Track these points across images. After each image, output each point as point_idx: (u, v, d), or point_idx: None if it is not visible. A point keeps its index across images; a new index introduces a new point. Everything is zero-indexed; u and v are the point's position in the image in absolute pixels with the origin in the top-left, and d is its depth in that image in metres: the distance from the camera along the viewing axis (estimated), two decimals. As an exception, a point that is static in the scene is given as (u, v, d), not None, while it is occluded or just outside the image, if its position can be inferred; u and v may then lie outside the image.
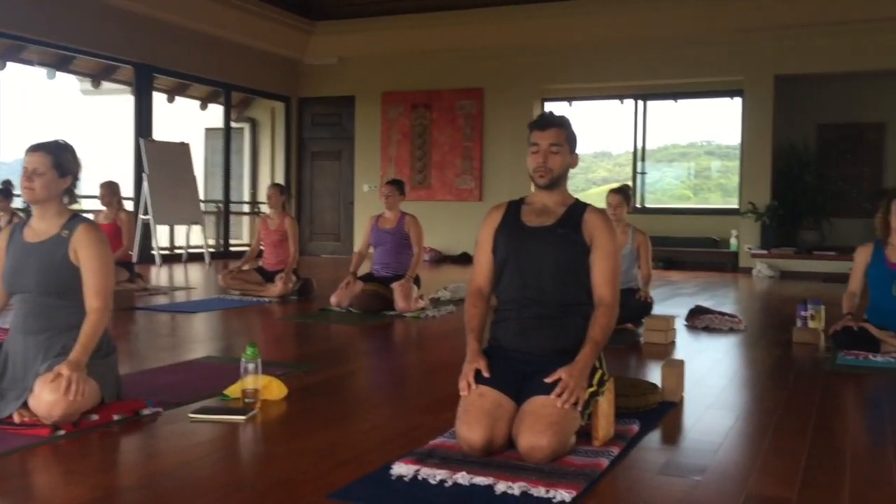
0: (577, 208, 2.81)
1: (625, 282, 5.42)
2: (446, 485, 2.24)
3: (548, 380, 2.51)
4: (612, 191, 5.67)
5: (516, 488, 2.19)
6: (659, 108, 12.54)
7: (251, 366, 3.05)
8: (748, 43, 10.99)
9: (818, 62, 10.83)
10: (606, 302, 2.69)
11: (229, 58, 12.23)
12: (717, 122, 12.40)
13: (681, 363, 3.42)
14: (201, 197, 12.23)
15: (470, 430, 2.46)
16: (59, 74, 12.37)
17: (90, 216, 7.43)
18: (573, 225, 2.75)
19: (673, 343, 4.89)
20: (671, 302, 7.05)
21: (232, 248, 12.80)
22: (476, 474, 2.28)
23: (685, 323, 5.62)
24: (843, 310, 4.68)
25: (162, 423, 2.90)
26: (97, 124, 14.67)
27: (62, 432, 2.67)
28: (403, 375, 4.21)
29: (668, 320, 4.98)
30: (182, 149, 11.51)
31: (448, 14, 12.08)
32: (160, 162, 10.90)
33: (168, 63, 11.31)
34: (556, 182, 2.79)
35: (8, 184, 8.34)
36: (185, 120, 14.01)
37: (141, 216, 10.69)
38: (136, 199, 10.87)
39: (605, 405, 2.65)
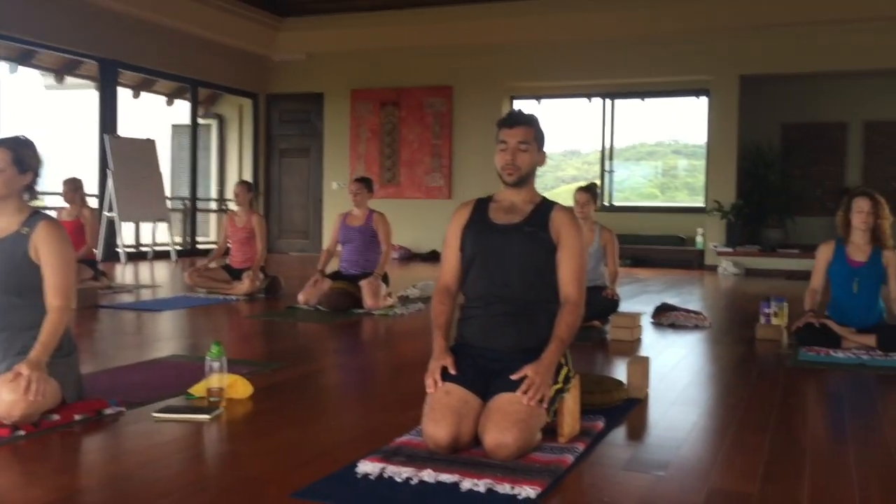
0: (545, 206, 2.82)
1: (592, 279, 5.45)
2: (412, 483, 2.24)
3: (514, 377, 2.52)
4: (580, 189, 5.70)
5: (482, 485, 2.19)
6: (626, 107, 12.63)
7: (216, 364, 3.03)
8: (714, 43, 11.11)
9: (782, 62, 10.98)
10: (572, 300, 2.71)
11: (196, 53, 12.10)
12: (684, 121, 12.52)
13: (646, 360, 3.45)
14: (168, 194, 12.10)
15: (436, 427, 2.46)
16: (22, 69, 12.17)
17: (53, 213, 7.32)
18: (540, 223, 2.76)
19: (639, 340, 4.93)
20: (638, 299, 7.11)
21: (199, 246, 12.68)
22: (442, 472, 2.28)
23: (651, 320, 5.67)
24: (806, 306, 4.75)
25: (125, 422, 2.87)
26: (61, 120, 14.45)
27: (22, 433, 2.62)
28: (371, 373, 4.20)
29: (634, 317, 5.02)
30: (148, 145, 11.37)
31: (417, 11, 12.06)
32: (125, 158, 10.76)
33: (133, 58, 11.16)
34: (524, 180, 2.80)
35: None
36: (151, 116, 13.84)
37: (106, 213, 10.55)
38: (101, 195, 10.73)
39: (571, 402, 2.66)
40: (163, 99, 13.85)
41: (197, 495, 2.17)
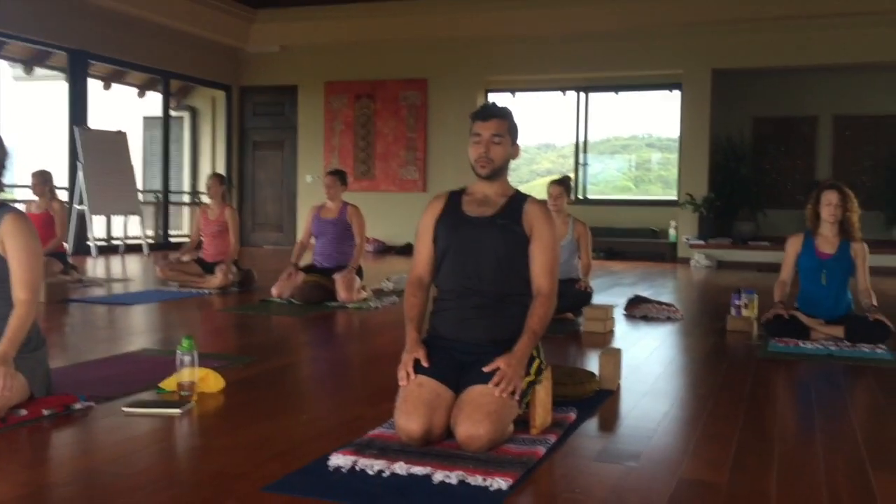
0: (518, 199, 2.83)
1: (565, 272, 5.47)
2: (384, 475, 2.23)
3: (486, 369, 2.53)
4: (553, 182, 5.72)
5: (454, 477, 2.20)
6: (600, 101, 12.69)
7: (187, 358, 3.01)
8: (687, 37, 11.19)
9: (754, 57, 11.09)
10: (545, 292, 2.72)
11: (168, 44, 11.97)
12: (658, 114, 12.60)
13: (618, 352, 3.48)
14: (139, 187, 11.97)
15: (408, 419, 2.46)
16: (-11, 60, 11.98)
17: (21, 206, 7.23)
18: (513, 216, 2.77)
19: (612, 332, 4.97)
20: (611, 292, 7.15)
21: (171, 239, 12.57)
22: (414, 464, 2.28)
23: (624, 312, 5.71)
24: (775, 298, 4.81)
25: (94, 417, 2.84)
26: (30, 111, 14.24)
27: (-11, 428, 2.59)
28: (344, 366, 4.19)
29: (607, 310, 5.05)
30: (119, 137, 11.24)
31: (392, 4, 12.01)
32: (96, 150, 10.63)
33: (104, 49, 11.02)
34: (498, 173, 2.80)
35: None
36: (123, 108, 13.69)
37: (76, 206, 10.42)
38: (71, 188, 10.60)
39: (543, 394, 2.68)
40: (134, 91, 13.70)
41: (167, 490, 2.16)
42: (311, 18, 12.53)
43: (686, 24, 11.09)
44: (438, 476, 2.21)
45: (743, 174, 11.62)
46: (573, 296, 5.29)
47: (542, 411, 2.67)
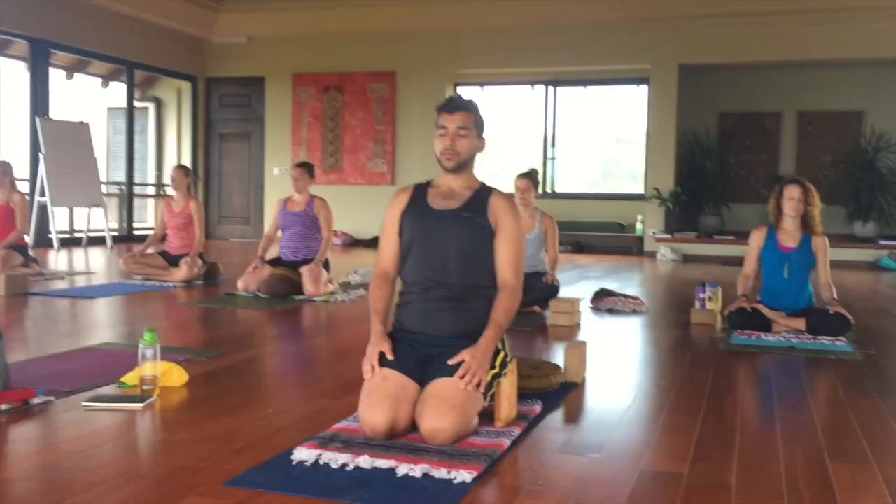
0: (483, 192, 2.83)
1: (532, 265, 5.50)
2: (348, 469, 2.23)
3: (451, 362, 2.53)
4: (520, 175, 5.73)
5: (418, 470, 2.19)
6: (569, 95, 12.74)
7: (149, 352, 2.97)
8: (654, 32, 11.27)
9: (720, 52, 11.20)
10: (510, 285, 2.72)
11: (132, 34, 11.79)
12: (625, 109, 12.67)
13: (583, 344, 3.50)
14: (103, 178, 11.80)
15: (373, 413, 2.46)
16: (-53, 48, 11.70)
17: (-19, 198, 7.09)
18: (479, 209, 2.77)
19: (578, 325, 5.00)
20: (578, 285, 7.19)
21: (136, 232, 12.40)
22: (378, 457, 2.28)
23: (590, 305, 5.75)
24: (738, 291, 4.87)
25: (53, 412, 2.80)
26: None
27: (-56, 424, 2.54)
28: (310, 360, 4.17)
29: (574, 303, 5.08)
30: (81, 128, 11.06)
31: (360, -5, 11.95)
32: (58, 141, 10.45)
33: (66, 38, 10.83)
34: (463, 165, 2.80)
35: None
36: (86, 98, 13.46)
37: (37, 198, 10.24)
38: (33, 180, 10.41)
39: (508, 386, 2.68)
40: (98, 81, 13.48)
41: (127, 485, 2.13)
42: (278, 9, 12.42)
43: (653, 20, 11.17)
44: (402, 469, 2.21)
45: (708, 169, 11.76)
46: (540, 289, 5.31)
47: (507, 404, 2.68)
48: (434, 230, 2.75)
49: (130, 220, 12.43)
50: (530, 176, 5.73)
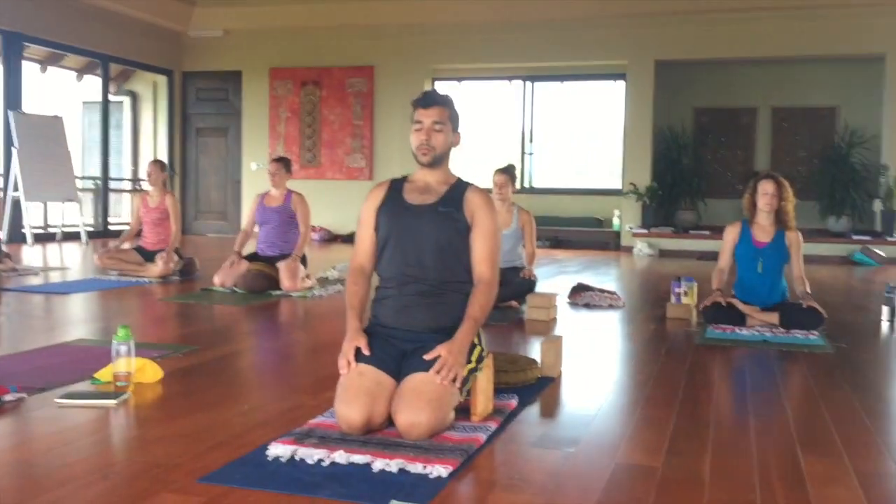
0: (459, 187, 2.83)
1: (510, 260, 5.52)
2: (324, 464, 2.22)
3: (427, 357, 2.53)
4: (498, 170, 5.74)
5: (394, 465, 2.20)
6: (546, 90, 12.77)
7: (123, 348, 2.95)
8: (631, 28, 11.32)
9: (696, 49, 11.27)
10: (485, 280, 2.73)
11: (107, 27, 11.67)
12: (602, 104, 12.72)
13: (559, 339, 3.51)
14: (77, 173, 11.68)
15: (349, 408, 2.45)
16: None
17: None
18: (455, 203, 2.77)
19: (554, 320, 5.01)
20: (556, 280, 7.22)
21: (112, 227, 12.29)
22: (354, 453, 2.27)
23: (567, 300, 5.77)
24: (713, 286, 4.91)
25: (26, 409, 2.77)
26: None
27: (-87, 422, 2.51)
28: (287, 355, 4.16)
29: (550, 297, 5.10)
30: (55, 122, 10.93)
31: (337, -11, 11.90)
32: (31, 136, 10.33)
33: (40, 31, 10.70)
34: (439, 160, 2.80)
35: None
36: (60, 92, 13.32)
37: (11, 193, 10.12)
38: (6, 174, 10.30)
39: (484, 381, 2.69)
40: (72, 74, 13.34)
41: (100, 482, 2.12)
42: (255, 3, 12.35)
43: (630, 16, 11.22)
44: (378, 464, 2.21)
45: (684, 164, 11.84)
46: (517, 284, 5.33)
47: (483, 399, 2.68)
48: (410, 225, 2.75)
49: (105, 215, 12.32)
50: (508, 171, 5.74)
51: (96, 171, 12.57)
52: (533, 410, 2.92)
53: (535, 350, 3.89)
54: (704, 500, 2.07)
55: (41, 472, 2.20)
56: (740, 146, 12.21)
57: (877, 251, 10.17)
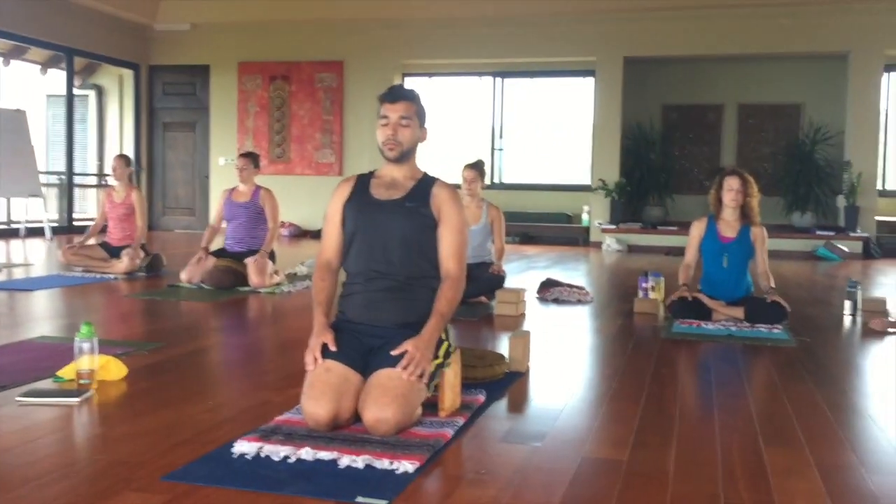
0: (426, 182, 2.83)
1: (479, 256, 5.52)
2: (290, 461, 2.21)
3: (394, 352, 2.52)
4: (467, 166, 5.74)
5: (360, 461, 2.19)
6: (516, 86, 12.80)
7: (86, 345, 2.91)
8: (600, 25, 11.39)
9: (664, 46, 11.37)
10: (453, 275, 2.73)
11: (72, 20, 11.49)
12: (572, 100, 12.78)
13: (527, 334, 3.53)
14: (41, 168, 11.49)
15: (315, 404, 2.44)
16: None
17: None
18: (422, 199, 2.77)
19: (523, 315, 5.03)
20: (525, 275, 7.25)
21: (76, 223, 12.11)
22: (320, 449, 2.27)
23: (536, 295, 5.79)
24: (680, 281, 4.95)
25: (-14, 407, 2.72)
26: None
27: None
28: (254, 352, 4.13)
29: (519, 293, 5.11)
30: (18, 116, 10.76)
31: (306, -17, 11.82)
32: (-7, 130, 10.16)
33: (3, 24, 10.50)
34: (406, 155, 2.80)
35: None
36: (24, 85, 13.09)
37: (-28, 188, 9.95)
38: (-33, 169, 10.11)
39: (452, 376, 2.69)
40: (36, 67, 13.11)
41: (62, 480, 2.09)
42: (224, -4, 12.21)
43: (600, 13, 11.29)
44: (345, 461, 2.20)
45: (652, 160, 11.94)
46: (486, 279, 5.34)
47: (450, 394, 2.69)
48: (377, 221, 2.75)
49: (70, 210, 12.14)
50: (477, 167, 5.74)
51: (61, 165, 12.39)
52: (501, 405, 2.93)
53: (503, 345, 3.90)
54: (668, 493, 2.09)
55: (2, 470, 2.17)
56: (707, 142, 12.33)
57: (840, 246, 10.33)
